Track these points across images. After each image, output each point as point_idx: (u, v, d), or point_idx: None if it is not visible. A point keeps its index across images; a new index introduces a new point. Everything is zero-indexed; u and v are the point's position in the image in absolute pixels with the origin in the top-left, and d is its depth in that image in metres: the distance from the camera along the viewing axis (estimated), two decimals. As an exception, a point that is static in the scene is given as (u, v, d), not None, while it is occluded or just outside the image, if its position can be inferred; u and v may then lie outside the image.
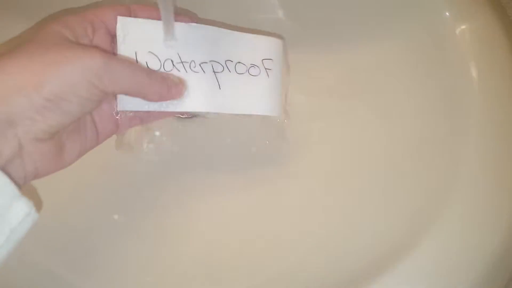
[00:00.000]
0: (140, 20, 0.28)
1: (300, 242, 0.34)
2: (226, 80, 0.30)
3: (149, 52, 0.28)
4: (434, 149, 0.34)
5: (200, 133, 0.38)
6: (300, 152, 0.38)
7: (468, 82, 0.32)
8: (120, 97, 0.27)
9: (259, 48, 0.31)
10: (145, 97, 0.27)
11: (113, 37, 0.28)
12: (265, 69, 0.31)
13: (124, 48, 0.27)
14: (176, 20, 0.28)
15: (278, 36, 0.33)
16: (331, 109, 0.39)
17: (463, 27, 0.33)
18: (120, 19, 0.27)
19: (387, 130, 0.37)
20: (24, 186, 0.24)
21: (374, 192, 0.35)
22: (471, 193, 0.30)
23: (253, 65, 0.31)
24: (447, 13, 0.34)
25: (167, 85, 0.27)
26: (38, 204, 0.23)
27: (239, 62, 0.30)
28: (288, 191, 0.37)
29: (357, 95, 0.38)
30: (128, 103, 0.27)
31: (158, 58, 0.28)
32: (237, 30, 0.31)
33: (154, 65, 0.28)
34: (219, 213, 0.36)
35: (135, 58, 0.27)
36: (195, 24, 0.29)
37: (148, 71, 0.27)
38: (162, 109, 0.28)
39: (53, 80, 0.22)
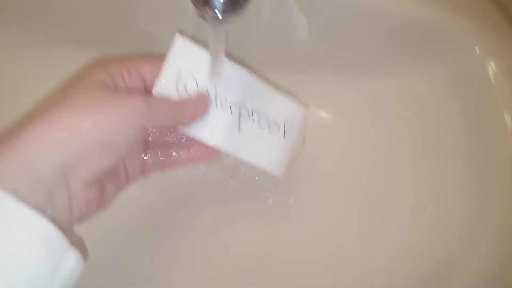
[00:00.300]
0: (194, 46, 0.30)
1: (316, 279, 0.35)
2: (246, 128, 0.31)
3: (191, 75, 0.30)
4: (460, 189, 0.33)
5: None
6: (322, 175, 0.39)
7: (500, 123, 0.32)
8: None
9: (285, 109, 0.33)
10: (181, 124, 0.29)
11: (145, 85, 0.30)
12: (284, 130, 0.33)
13: (172, 63, 0.29)
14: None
15: (304, 105, 0.35)
16: (355, 131, 0.39)
17: (493, 63, 0.33)
18: (179, 37, 0.29)
19: (411, 159, 0.37)
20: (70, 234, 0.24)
21: (398, 227, 0.35)
22: (501, 237, 0.30)
23: (275, 123, 0.33)
24: (477, 49, 0.34)
25: (195, 105, 0.29)
26: (83, 251, 0.23)
27: (264, 116, 0.32)
28: (306, 222, 0.38)
29: (382, 120, 0.39)
30: None
31: (196, 84, 0.30)
32: (273, 86, 0.33)
33: (191, 88, 0.30)
34: (235, 244, 0.37)
35: (176, 77, 0.29)
36: (238, 66, 0.31)
37: (181, 104, 0.29)
38: (182, 133, 0.30)
39: (105, 124, 0.23)
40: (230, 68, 0.31)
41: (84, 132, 0.23)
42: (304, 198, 0.39)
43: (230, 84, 0.31)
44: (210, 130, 0.30)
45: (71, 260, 0.22)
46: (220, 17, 0.24)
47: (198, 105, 0.30)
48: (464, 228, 0.31)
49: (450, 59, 0.36)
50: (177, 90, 0.29)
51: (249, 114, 0.32)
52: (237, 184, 0.39)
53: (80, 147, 0.22)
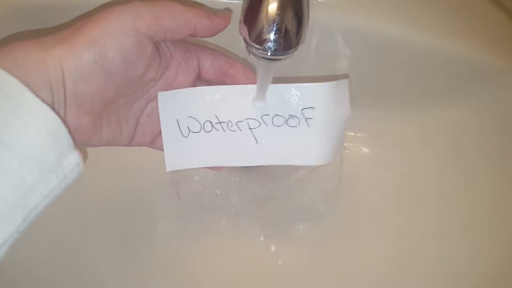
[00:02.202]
0: (177, 91, 0.29)
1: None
2: (263, 135, 0.30)
3: (189, 117, 0.29)
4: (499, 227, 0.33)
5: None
6: (360, 207, 0.39)
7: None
8: (167, 156, 0.29)
9: (298, 97, 0.29)
10: (195, 26, 0.25)
11: (198, 73, 0.29)
12: (305, 119, 0.30)
13: (166, 119, 0.29)
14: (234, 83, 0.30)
15: (327, 79, 0.30)
16: (395, 164, 0.40)
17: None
18: (160, 94, 0.29)
19: (450, 191, 0.37)
20: None
21: (437, 259, 0.35)
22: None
23: (291, 116, 0.30)
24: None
25: (209, 16, 0.26)
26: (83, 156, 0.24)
27: (276, 115, 0.30)
28: (342, 251, 0.38)
29: (423, 154, 0.39)
30: (176, 161, 0.29)
31: (197, 120, 0.30)
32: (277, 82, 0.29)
33: (195, 128, 0.30)
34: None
35: (177, 125, 0.29)
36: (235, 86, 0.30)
37: (192, 7, 0.25)
38: (207, 166, 0.29)
39: (97, 38, 0.23)
40: (226, 91, 0.30)
41: (79, 50, 0.23)
42: (341, 227, 0.39)
43: (230, 105, 0.30)
44: (229, 156, 0.30)
45: (73, 157, 0.23)
46: (272, 57, 0.25)
47: (215, 15, 0.26)
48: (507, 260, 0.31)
49: (492, 97, 0.36)
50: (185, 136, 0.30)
51: (259, 122, 0.30)
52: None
53: (76, 64, 0.23)
